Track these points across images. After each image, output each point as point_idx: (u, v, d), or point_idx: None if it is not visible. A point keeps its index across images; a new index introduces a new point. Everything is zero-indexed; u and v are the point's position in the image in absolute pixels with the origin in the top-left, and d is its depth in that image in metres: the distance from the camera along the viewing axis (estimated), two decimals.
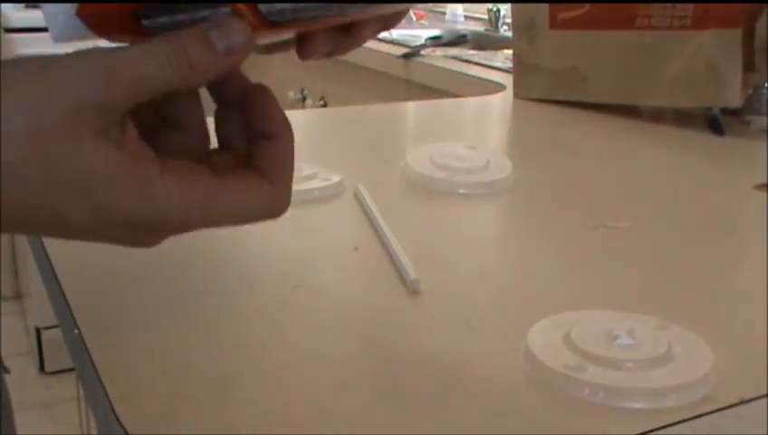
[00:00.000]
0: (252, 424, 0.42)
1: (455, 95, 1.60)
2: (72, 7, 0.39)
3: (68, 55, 0.36)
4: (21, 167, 0.34)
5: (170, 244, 0.64)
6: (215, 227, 0.38)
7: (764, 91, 1.11)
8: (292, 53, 0.45)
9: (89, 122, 0.35)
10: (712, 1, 1.02)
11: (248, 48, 0.38)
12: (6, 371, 0.62)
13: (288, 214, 0.40)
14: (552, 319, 0.51)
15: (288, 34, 0.41)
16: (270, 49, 0.39)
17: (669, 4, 1.05)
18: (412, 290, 0.57)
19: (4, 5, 2.79)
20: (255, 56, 0.47)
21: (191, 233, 0.38)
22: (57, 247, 0.62)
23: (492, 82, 1.57)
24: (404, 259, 0.60)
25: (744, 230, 0.75)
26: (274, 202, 0.39)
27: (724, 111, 1.07)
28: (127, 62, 0.36)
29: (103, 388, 0.44)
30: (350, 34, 0.44)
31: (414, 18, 2.57)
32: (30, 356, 2.56)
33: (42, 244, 0.63)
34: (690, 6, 1.04)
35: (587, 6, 1.12)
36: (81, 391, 0.56)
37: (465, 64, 1.79)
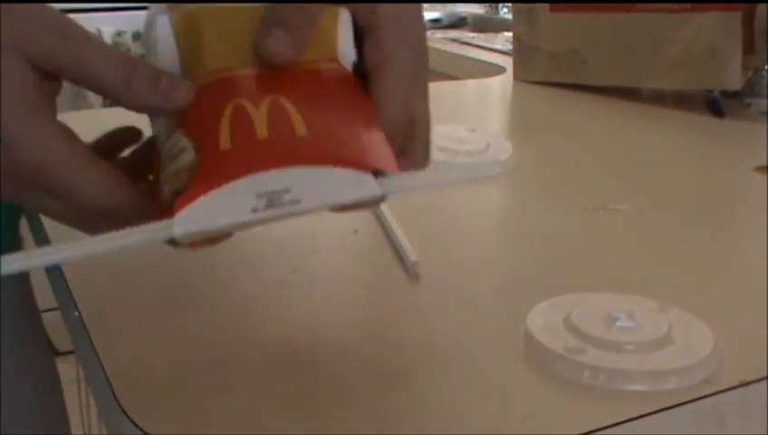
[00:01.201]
0: (251, 406, 0.42)
1: (454, 78, 1.60)
2: None
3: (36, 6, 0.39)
4: None
5: None
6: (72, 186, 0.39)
7: (764, 73, 1.11)
8: None
9: (19, 49, 0.38)
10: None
11: (180, 107, 0.41)
12: (55, 351, 0.63)
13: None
14: (552, 301, 0.51)
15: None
16: (194, 245, 0.40)
17: None
18: (412, 273, 0.57)
19: None
20: None
21: None
22: (58, 230, 0.62)
23: (492, 64, 1.57)
24: (404, 242, 0.60)
25: (745, 212, 0.75)
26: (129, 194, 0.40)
27: (724, 93, 1.07)
28: (85, 42, 0.39)
29: (103, 370, 0.44)
30: None
31: None
32: None
33: (42, 226, 0.63)
34: None
35: None
36: (81, 373, 0.56)
37: (464, 47, 1.78)
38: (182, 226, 0.38)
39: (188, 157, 0.40)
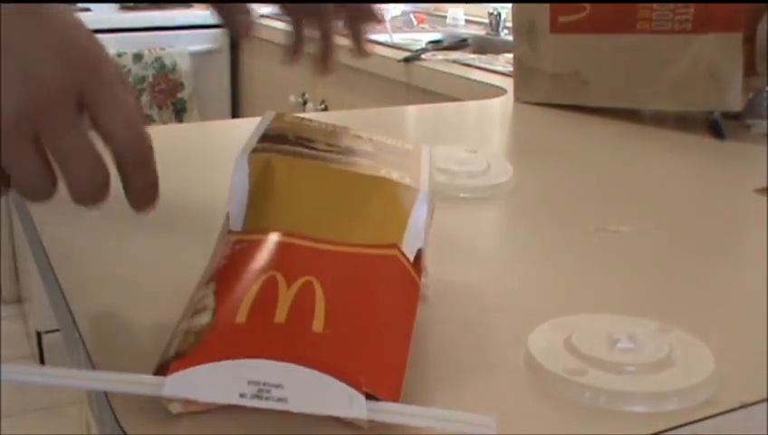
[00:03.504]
0: (253, 428, 0.42)
1: (455, 99, 1.60)
2: None
3: None
4: None
5: (173, 247, 0.64)
6: None
7: (765, 94, 1.11)
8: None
9: None
10: (713, 1, 1.02)
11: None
12: None
13: None
14: (553, 323, 0.51)
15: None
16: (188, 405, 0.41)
17: (670, 8, 1.05)
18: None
19: None
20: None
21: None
22: (59, 251, 0.62)
23: (492, 85, 1.57)
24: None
25: (745, 234, 0.75)
26: None
27: (725, 114, 1.07)
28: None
29: (105, 392, 0.44)
30: None
31: (415, 22, 2.57)
32: (31, 360, 2.56)
33: (43, 247, 0.63)
34: (691, 9, 1.04)
35: (588, 9, 1.12)
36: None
37: (465, 68, 1.79)
38: (172, 388, 0.39)
39: (205, 319, 0.41)
